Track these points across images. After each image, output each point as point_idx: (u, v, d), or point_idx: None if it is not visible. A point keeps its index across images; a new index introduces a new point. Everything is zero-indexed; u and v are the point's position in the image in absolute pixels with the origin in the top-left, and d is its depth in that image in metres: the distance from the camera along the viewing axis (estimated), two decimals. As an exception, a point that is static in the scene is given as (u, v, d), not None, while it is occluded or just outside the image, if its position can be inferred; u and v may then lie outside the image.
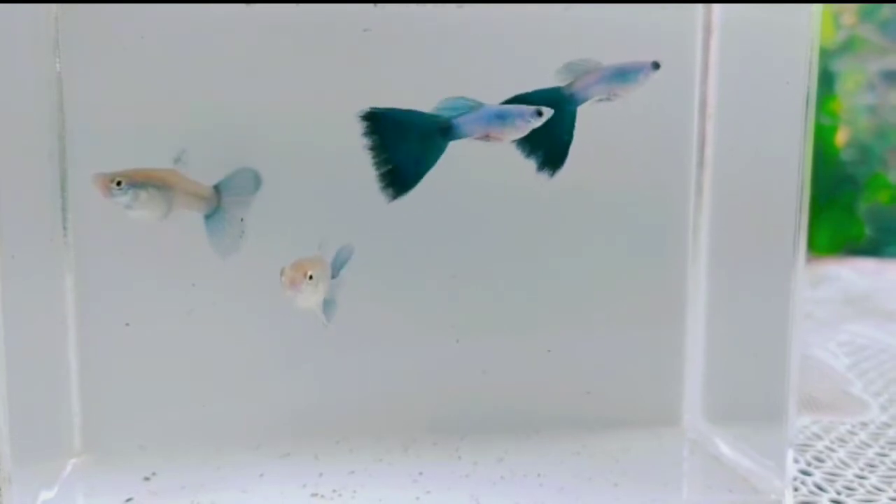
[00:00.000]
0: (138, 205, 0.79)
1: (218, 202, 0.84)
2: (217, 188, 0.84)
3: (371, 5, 0.92)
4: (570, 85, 0.81)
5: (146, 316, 0.95)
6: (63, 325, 0.92)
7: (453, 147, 0.97)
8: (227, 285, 0.95)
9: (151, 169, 0.81)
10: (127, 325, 0.93)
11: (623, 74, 0.82)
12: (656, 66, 0.82)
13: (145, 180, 0.79)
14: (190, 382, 0.97)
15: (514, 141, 0.80)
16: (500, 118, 0.79)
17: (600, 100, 0.82)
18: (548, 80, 0.97)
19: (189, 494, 0.87)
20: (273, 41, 0.92)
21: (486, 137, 0.80)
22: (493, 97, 0.96)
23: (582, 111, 0.99)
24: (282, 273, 0.77)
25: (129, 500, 0.85)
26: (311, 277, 0.78)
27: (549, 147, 0.81)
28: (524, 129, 0.80)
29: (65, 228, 0.91)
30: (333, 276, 0.84)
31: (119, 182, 0.78)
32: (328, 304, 0.84)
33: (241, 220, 0.86)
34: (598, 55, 0.98)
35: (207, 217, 0.84)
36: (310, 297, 0.79)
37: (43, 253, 0.89)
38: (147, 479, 0.90)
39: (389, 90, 0.94)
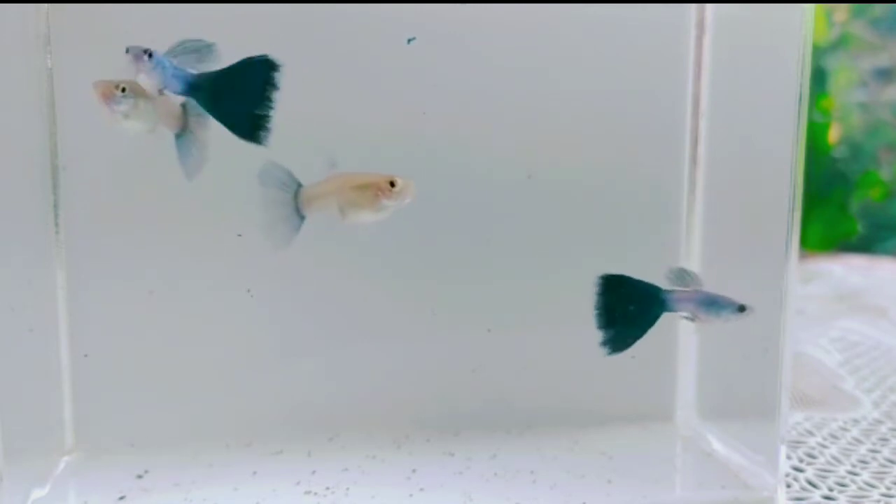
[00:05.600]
0: (136, 114, 0.79)
1: (185, 122, 0.83)
2: (184, 107, 0.82)
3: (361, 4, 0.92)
4: (669, 291, 0.85)
5: (138, 313, 0.94)
6: (55, 323, 0.92)
7: (448, 143, 0.98)
8: (219, 284, 0.95)
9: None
10: (85, 355, 0.93)
11: (712, 304, 0.85)
12: (742, 309, 0.85)
13: (142, 91, 0.79)
14: (182, 380, 0.96)
15: (598, 303, 0.84)
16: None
17: (684, 316, 0.86)
18: (544, 73, 0.98)
19: (181, 492, 0.86)
20: (265, 34, 0.92)
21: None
22: (485, 94, 0.97)
23: (572, 106, 1.00)
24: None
25: (121, 497, 0.85)
26: (123, 90, 0.78)
27: (622, 324, 0.85)
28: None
29: (56, 225, 0.91)
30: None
31: (124, 89, 0.78)
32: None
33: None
34: (594, 53, 0.99)
35: (178, 136, 0.82)
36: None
37: (34, 250, 0.89)
38: (140, 476, 0.89)
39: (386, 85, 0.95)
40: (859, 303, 1.97)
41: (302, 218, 0.81)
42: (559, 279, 1.02)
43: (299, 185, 0.81)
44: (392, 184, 0.79)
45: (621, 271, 1.03)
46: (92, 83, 0.79)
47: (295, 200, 0.81)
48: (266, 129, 0.77)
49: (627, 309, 0.84)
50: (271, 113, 0.77)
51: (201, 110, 0.82)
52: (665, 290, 0.84)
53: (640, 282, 0.84)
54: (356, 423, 1.00)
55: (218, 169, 0.86)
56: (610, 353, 0.84)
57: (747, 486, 0.91)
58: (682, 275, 0.85)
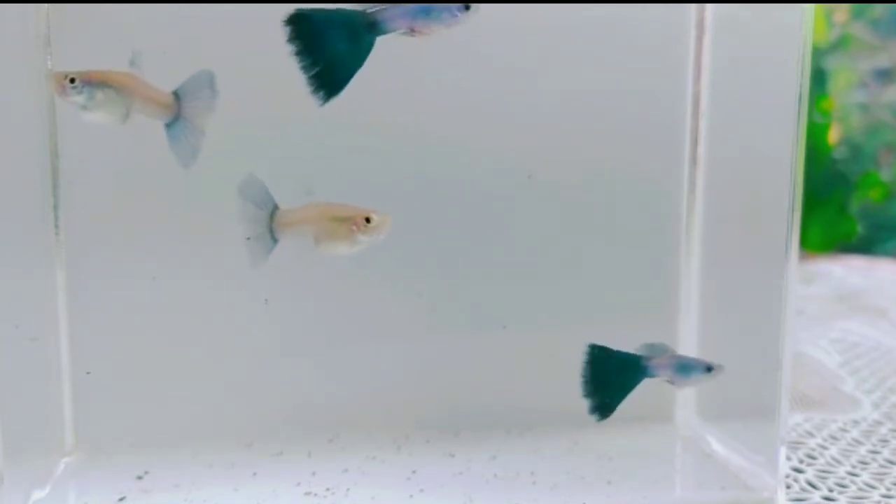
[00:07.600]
0: (94, 105, 0.77)
1: (179, 110, 0.81)
2: (177, 94, 0.81)
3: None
4: (648, 359, 0.87)
5: (138, 314, 0.94)
6: (55, 323, 0.92)
7: (448, 143, 0.98)
8: (219, 284, 0.95)
9: (109, 70, 0.78)
10: (88, 373, 0.93)
11: (684, 368, 0.87)
12: (709, 369, 0.87)
13: (101, 81, 0.77)
14: (182, 381, 0.96)
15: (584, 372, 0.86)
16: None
17: (666, 380, 0.88)
18: (544, 73, 0.98)
19: (182, 493, 0.86)
20: (265, 33, 0.92)
21: (412, 32, 0.77)
22: (486, 94, 0.97)
23: (573, 106, 1.00)
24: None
25: (121, 498, 0.85)
26: (72, 80, 0.77)
27: (606, 392, 0.86)
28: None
29: (56, 226, 0.91)
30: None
31: (73, 80, 0.76)
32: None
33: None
34: (594, 53, 0.99)
35: (168, 125, 0.81)
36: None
37: (34, 251, 0.89)
38: (140, 477, 0.89)
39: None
40: (859, 303, 1.97)
41: (275, 241, 0.81)
42: (559, 279, 1.02)
43: (276, 207, 0.81)
44: (368, 220, 0.79)
45: (616, 269, 1.04)
46: (45, 73, 0.77)
47: (270, 220, 0.80)
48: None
49: (610, 378, 0.87)
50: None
51: (200, 97, 0.80)
52: (645, 358, 0.87)
53: (621, 353, 0.87)
54: (356, 423, 1.00)
55: (218, 169, 0.86)
56: (599, 420, 0.86)
57: (747, 486, 0.91)
58: (655, 348, 0.88)
